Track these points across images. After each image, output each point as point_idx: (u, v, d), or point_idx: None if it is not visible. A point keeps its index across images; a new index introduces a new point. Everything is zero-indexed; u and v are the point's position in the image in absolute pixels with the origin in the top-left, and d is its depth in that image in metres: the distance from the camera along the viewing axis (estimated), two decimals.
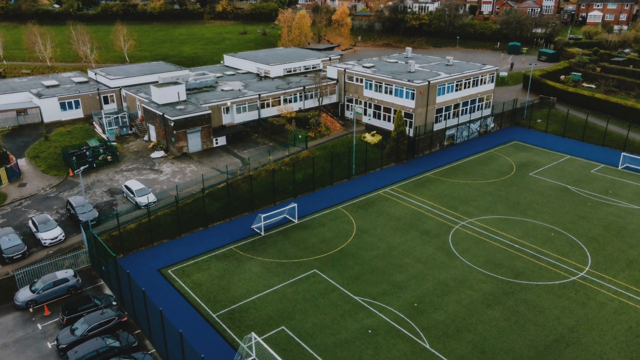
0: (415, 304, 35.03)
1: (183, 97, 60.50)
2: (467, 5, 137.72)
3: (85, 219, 41.42)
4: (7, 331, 32.36)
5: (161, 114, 56.20)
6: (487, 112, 70.13)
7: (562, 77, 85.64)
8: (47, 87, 67.41)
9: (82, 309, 33.15)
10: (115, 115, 61.65)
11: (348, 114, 69.59)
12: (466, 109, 66.93)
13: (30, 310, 34.34)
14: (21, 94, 65.18)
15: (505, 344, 31.47)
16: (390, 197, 50.70)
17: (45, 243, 40.12)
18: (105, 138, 59.35)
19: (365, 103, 66.57)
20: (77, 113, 65.11)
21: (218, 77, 73.09)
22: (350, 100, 68.87)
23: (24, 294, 34.69)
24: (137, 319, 32.98)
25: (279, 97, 65.16)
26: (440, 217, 46.70)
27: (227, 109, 61.77)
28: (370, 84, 65.24)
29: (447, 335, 32.13)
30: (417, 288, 36.76)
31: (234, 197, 47.80)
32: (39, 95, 63.31)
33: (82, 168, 41.65)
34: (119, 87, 67.44)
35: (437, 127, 63.76)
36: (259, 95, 63.50)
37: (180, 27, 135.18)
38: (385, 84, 63.36)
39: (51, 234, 40.49)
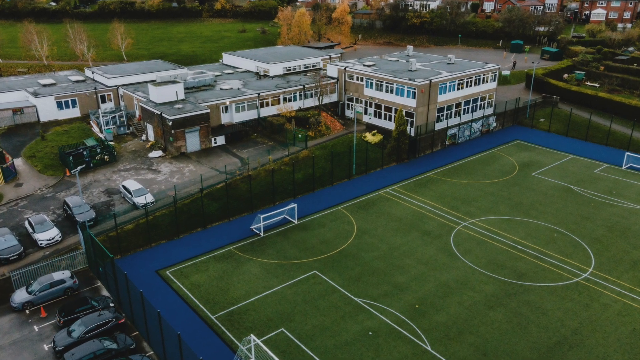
0: (417, 306, 34.71)
1: (181, 96, 60.08)
2: (469, 3, 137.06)
3: (82, 220, 41.16)
4: (3, 333, 32.06)
5: (159, 113, 55.76)
6: (489, 111, 69.69)
7: (565, 75, 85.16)
8: (44, 85, 66.96)
9: (79, 310, 32.91)
10: (113, 115, 61.23)
11: (348, 113, 69.14)
12: (468, 108, 66.48)
13: (27, 312, 34.04)
14: (17, 93, 64.73)
15: (507, 346, 31.19)
16: (391, 197, 50.29)
17: (41, 244, 39.77)
18: (103, 137, 58.95)
19: (366, 102, 66.11)
20: (74, 112, 64.67)
21: (217, 75, 72.68)
22: (350, 99, 68.41)
23: (20, 296, 34.38)
24: (135, 321, 32.69)
25: (279, 96, 64.71)
26: (442, 218, 46.29)
27: (226, 108, 61.34)
28: (371, 83, 64.77)
29: (449, 337, 31.84)
30: (418, 289, 36.41)
31: (232, 198, 47.40)
32: (35, 94, 62.89)
33: (79, 168, 41.44)
34: (116, 85, 67.02)
35: (439, 126, 63.35)
36: (258, 94, 63.05)
37: (178, 25, 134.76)
38: (386, 82, 62.89)
39: (48, 234, 40.15)
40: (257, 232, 43.70)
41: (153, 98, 59.29)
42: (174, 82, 61.01)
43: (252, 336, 29.73)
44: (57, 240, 40.36)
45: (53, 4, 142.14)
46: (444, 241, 42.57)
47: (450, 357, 30.32)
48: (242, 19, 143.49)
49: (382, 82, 63.34)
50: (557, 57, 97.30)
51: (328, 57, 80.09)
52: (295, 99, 66.16)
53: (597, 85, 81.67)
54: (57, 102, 63.29)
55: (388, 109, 63.50)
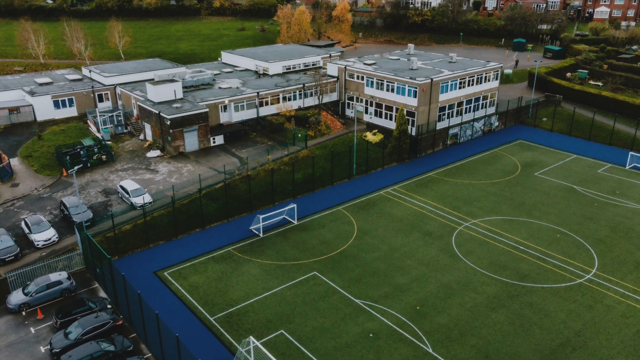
0: (418, 307, 34.41)
1: (179, 95, 59.68)
2: (471, 0, 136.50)
3: (80, 220, 40.79)
4: None
5: (157, 112, 55.37)
6: (492, 110, 69.30)
7: (568, 74, 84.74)
8: (40, 84, 66.45)
9: (76, 312, 32.75)
10: (110, 114, 60.85)
11: (349, 113, 68.74)
12: (470, 107, 66.07)
13: (23, 313, 33.82)
14: (14, 92, 64.12)
15: (509, 348, 30.93)
16: (392, 197, 49.92)
17: (38, 244, 39.45)
18: (100, 137, 58.57)
19: (366, 101, 65.70)
20: (71, 111, 64.19)
21: (215, 74, 72.27)
22: (351, 98, 68.00)
23: (16, 297, 34.18)
24: (133, 323, 32.52)
25: (278, 95, 64.30)
26: (443, 218, 45.92)
27: (225, 107, 60.94)
28: (372, 82, 64.35)
29: (451, 339, 31.57)
30: (419, 291, 36.10)
31: (231, 198, 47.05)
32: (31, 93, 62.42)
33: (76, 168, 41.09)
34: (113, 84, 66.54)
35: (440, 125, 62.98)
36: (258, 93, 62.64)
37: (176, 24, 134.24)
38: (387, 81, 62.47)
39: (44, 235, 39.82)
40: (257, 232, 43.35)
41: (151, 97, 58.88)
42: (172, 80, 60.65)
43: (252, 338, 29.60)
44: (54, 241, 40.04)
45: (50, 1, 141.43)
46: (445, 242, 42.20)
47: (451, 359, 30.07)
48: (241, 17, 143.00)
49: (383, 81, 62.92)
50: (560, 56, 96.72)
51: (328, 55, 79.66)
52: (295, 98, 65.74)
53: (600, 84, 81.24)
54: (54, 101, 62.82)
55: (389, 108, 63.08)
